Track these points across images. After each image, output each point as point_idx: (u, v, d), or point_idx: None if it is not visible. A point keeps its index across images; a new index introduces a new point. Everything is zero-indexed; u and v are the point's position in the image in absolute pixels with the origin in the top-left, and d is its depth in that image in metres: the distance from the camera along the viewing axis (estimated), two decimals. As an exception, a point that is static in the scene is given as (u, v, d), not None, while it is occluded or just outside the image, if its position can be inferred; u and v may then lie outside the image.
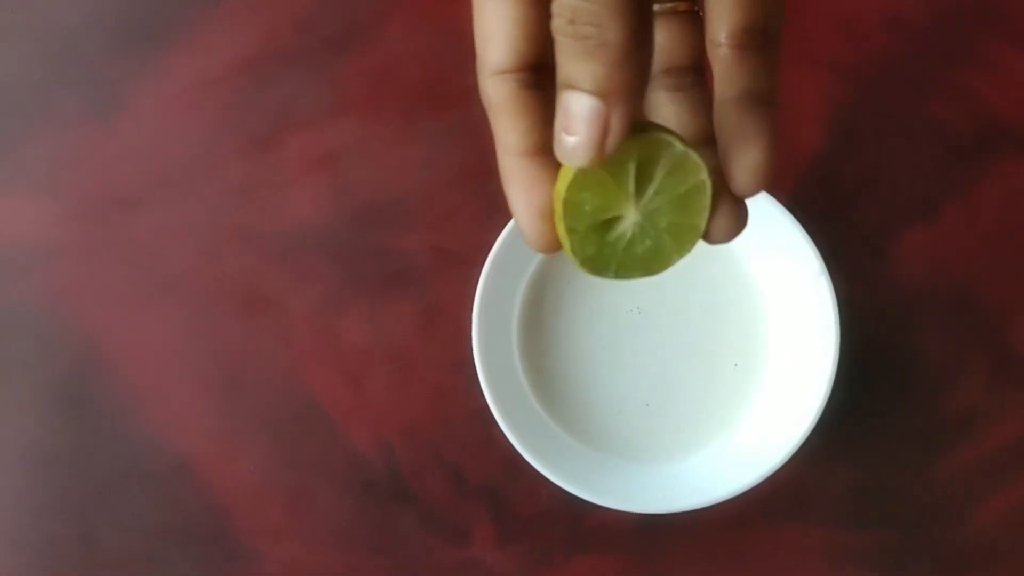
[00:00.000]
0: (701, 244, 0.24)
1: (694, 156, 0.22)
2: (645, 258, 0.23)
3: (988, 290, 0.52)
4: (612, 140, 0.20)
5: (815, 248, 0.47)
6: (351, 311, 0.52)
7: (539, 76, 0.23)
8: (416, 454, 0.51)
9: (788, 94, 0.52)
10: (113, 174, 0.53)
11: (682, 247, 0.23)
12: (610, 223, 0.23)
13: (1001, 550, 0.51)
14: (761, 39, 0.23)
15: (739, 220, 0.23)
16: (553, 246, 0.23)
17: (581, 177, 0.22)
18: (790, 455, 0.46)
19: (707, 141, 0.24)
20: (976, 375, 0.52)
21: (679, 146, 0.22)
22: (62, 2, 0.54)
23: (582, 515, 0.51)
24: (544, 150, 0.23)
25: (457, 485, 0.51)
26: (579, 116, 0.20)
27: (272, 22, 0.54)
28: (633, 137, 0.21)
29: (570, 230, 0.23)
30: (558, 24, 0.20)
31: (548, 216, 0.23)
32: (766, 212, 0.47)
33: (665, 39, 0.25)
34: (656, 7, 0.25)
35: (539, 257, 0.50)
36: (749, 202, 0.24)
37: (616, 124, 0.20)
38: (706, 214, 0.23)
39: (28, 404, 0.52)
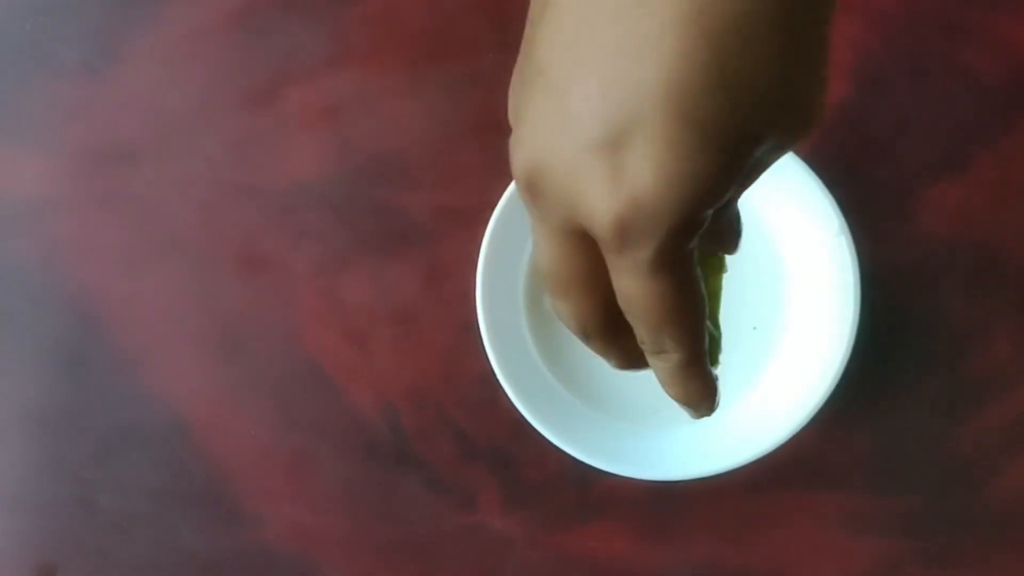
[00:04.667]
0: None
1: None
2: None
3: (1017, 247, 0.50)
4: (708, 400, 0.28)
5: (835, 205, 0.45)
6: (353, 270, 0.51)
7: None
8: (421, 417, 0.50)
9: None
10: (108, 127, 0.52)
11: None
12: None
13: (1025, 517, 0.50)
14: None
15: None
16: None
17: None
18: (807, 420, 0.45)
19: None
20: (1002, 337, 0.50)
21: None
22: (52, -52, 0.52)
23: (591, 481, 0.50)
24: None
25: (463, 449, 0.50)
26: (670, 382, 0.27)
27: (270, -32, 0.52)
28: None
29: None
30: (643, 347, 0.26)
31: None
32: (785, 167, 0.45)
33: None
34: None
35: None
36: None
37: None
38: None
39: (25, 363, 0.51)
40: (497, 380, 0.46)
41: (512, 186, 0.46)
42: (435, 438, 0.50)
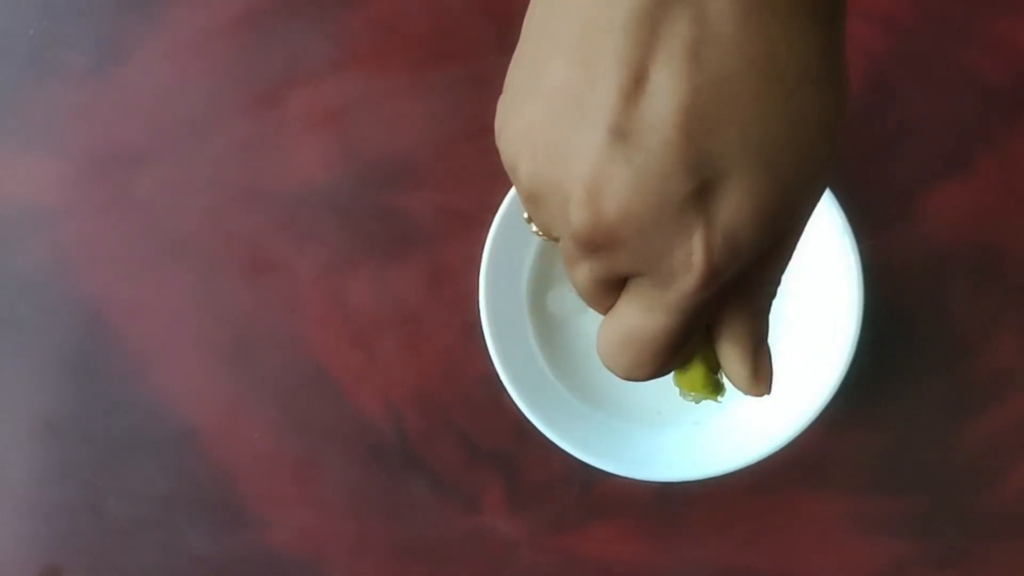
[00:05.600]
0: None
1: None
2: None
3: (1020, 247, 0.50)
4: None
5: (838, 205, 0.45)
6: (358, 273, 0.51)
7: None
8: (425, 419, 0.50)
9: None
10: (113, 131, 0.52)
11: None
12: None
13: (1031, 517, 0.50)
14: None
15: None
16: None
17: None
18: (811, 421, 0.45)
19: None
20: (1007, 337, 0.50)
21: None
22: (57, -46, 0.52)
23: (595, 481, 0.50)
24: None
25: (467, 451, 0.50)
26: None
27: (273, -28, 0.52)
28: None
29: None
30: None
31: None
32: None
33: None
34: None
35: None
36: None
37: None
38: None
39: (32, 368, 0.51)
40: (500, 381, 0.46)
41: (514, 189, 0.46)
42: (439, 441, 0.50)
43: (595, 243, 0.23)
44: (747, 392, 0.28)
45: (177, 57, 0.52)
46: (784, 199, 0.23)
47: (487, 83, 0.51)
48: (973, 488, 0.50)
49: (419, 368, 0.50)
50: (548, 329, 0.49)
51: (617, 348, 0.26)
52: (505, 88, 0.25)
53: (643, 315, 0.25)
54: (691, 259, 0.23)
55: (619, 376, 0.27)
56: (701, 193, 0.22)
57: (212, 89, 0.52)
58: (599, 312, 0.27)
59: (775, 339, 0.49)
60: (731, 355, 0.28)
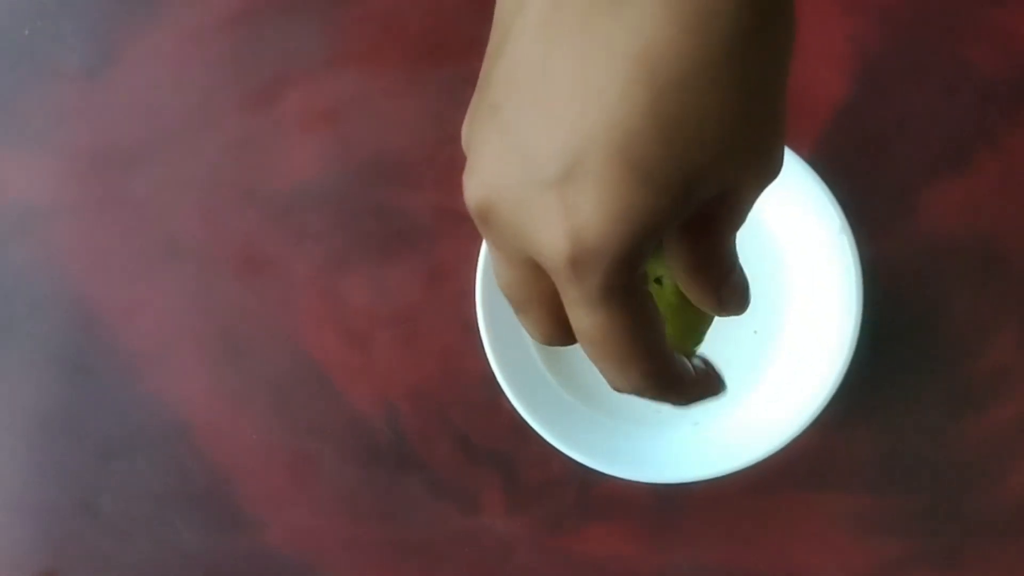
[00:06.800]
0: None
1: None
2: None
3: (1020, 243, 0.50)
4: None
5: (837, 204, 0.45)
6: (354, 272, 0.51)
7: None
8: (422, 419, 0.50)
9: (811, 39, 0.50)
10: (108, 130, 0.52)
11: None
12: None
13: (1031, 516, 0.50)
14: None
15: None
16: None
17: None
18: (811, 421, 0.45)
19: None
20: (1007, 334, 0.50)
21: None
22: (50, -48, 0.52)
23: (594, 482, 0.50)
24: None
25: (465, 451, 0.50)
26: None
27: (267, -30, 0.52)
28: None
29: None
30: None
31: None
32: (785, 166, 0.45)
33: None
34: None
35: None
36: None
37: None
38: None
39: (25, 367, 0.51)
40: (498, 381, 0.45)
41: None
42: (436, 440, 0.50)
43: (485, 218, 0.24)
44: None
45: (171, 56, 0.52)
46: (645, 201, 0.22)
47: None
48: (973, 487, 0.50)
49: (416, 367, 0.50)
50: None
51: (591, 348, 0.25)
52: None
53: (572, 313, 0.24)
54: (547, 246, 0.23)
55: (629, 392, 0.26)
56: (565, 179, 0.22)
57: (206, 88, 0.51)
58: (537, 328, 0.27)
59: (774, 338, 0.49)
60: (701, 300, 0.27)
